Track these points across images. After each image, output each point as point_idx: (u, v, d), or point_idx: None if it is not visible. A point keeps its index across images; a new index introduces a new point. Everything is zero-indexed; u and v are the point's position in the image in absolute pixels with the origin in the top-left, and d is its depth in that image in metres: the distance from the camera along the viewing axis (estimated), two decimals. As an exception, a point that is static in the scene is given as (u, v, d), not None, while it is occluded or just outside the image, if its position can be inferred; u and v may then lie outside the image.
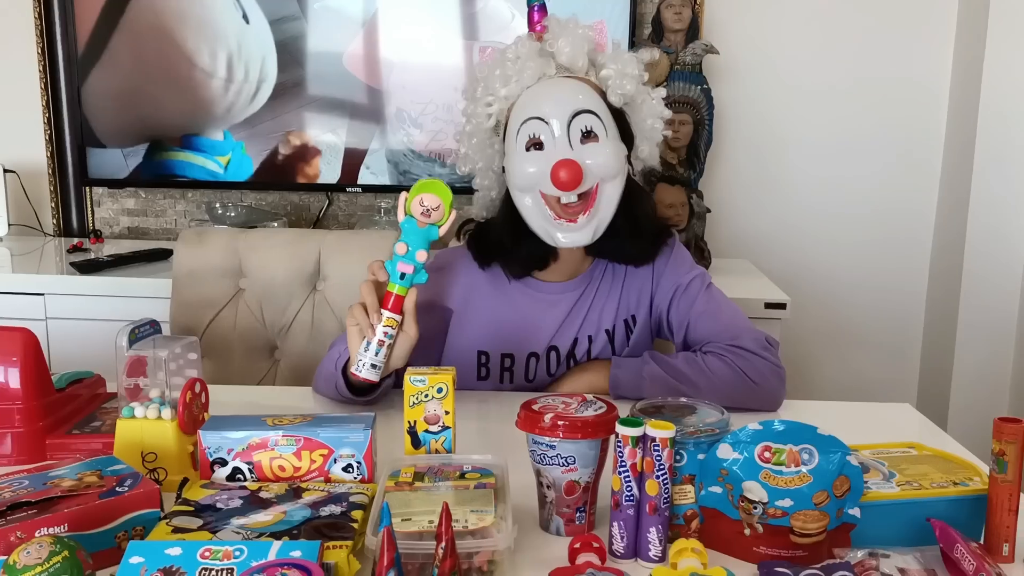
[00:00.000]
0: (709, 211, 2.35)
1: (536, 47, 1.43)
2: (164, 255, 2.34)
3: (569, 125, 1.36)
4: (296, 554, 0.83)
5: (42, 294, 2.15)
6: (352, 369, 1.27)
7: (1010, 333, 2.43)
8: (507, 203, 1.46)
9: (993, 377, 2.44)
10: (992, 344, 2.43)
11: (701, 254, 2.29)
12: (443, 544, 0.78)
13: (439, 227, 1.24)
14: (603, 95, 1.42)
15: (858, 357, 2.63)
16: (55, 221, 2.76)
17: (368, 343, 1.25)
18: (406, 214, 1.25)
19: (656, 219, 1.54)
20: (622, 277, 1.51)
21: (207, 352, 1.89)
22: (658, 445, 0.90)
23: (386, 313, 1.25)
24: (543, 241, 1.40)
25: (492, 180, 1.52)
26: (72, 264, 2.22)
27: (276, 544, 0.84)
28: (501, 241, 1.47)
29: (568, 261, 1.49)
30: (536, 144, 1.37)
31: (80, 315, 2.12)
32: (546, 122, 1.36)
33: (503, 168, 1.46)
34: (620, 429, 0.91)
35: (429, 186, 1.24)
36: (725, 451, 0.93)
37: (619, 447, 0.91)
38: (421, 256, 1.23)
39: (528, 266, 1.48)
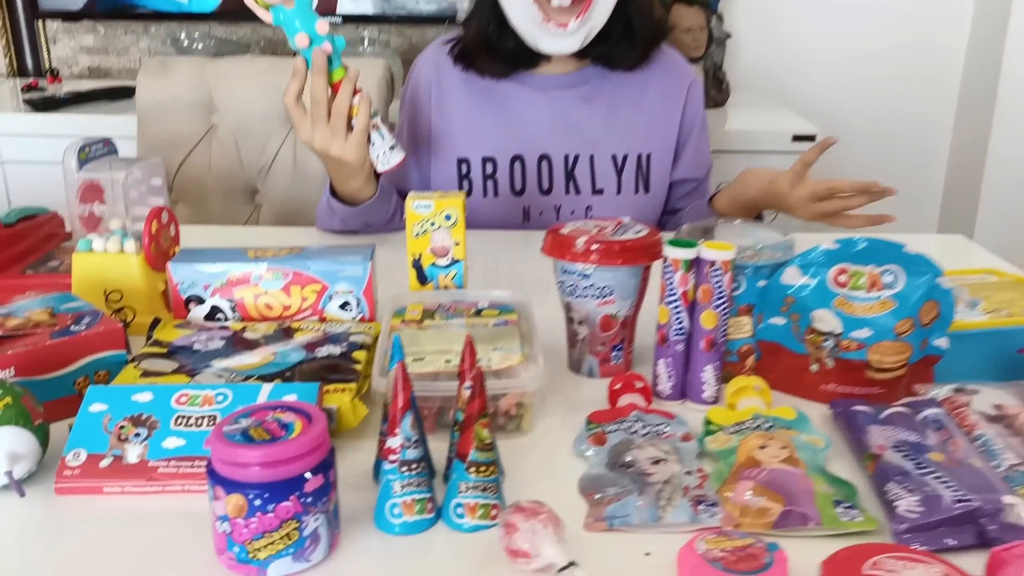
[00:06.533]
0: (729, 36, 2.13)
1: None
2: (127, 93, 2.10)
3: None
4: (291, 398, 0.70)
5: (-5, 135, 1.94)
6: (380, 170, 1.16)
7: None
8: None
9: (1019, 220, 2.31)
10: (1020, 183, 2.28)
11: (719, 86, 2.09)
12: (468, 383, 0.64)
13: None
14: None
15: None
16: (7, 60, 2.50)
17: (368, 138, 1.14)
18: (268, 9, 1.08)
19: (652, 20, 1.36)
20: (638, 104, 1.34)
21: (180, 196, 1.73)
22: (718, 269, 0.75)
23: (355, 102, 1.13)
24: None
25: None
26: (27, 102, 2.00)
27: (266, 387, 0.71)
28: (484, 35, 1.30)
29: (556, 63, 1.33)
30: None
31: (38, 158, 1.92)
32: None
33: None
34: (670, 251, 0.77)
35: None
36: (792, 276, 0.79)
37: (668, 273, 0.77)
38: (321, 28, 1.09)
39: (512, 66, 1.33)
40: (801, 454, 0.68)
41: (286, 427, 0.56)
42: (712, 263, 0.75)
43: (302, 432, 0.55)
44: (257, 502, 0.53)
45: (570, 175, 1.33)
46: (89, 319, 0.79)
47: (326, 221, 1.29)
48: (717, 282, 0.76)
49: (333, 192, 1.25)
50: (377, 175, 1.24)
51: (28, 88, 2.23)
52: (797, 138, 1.86)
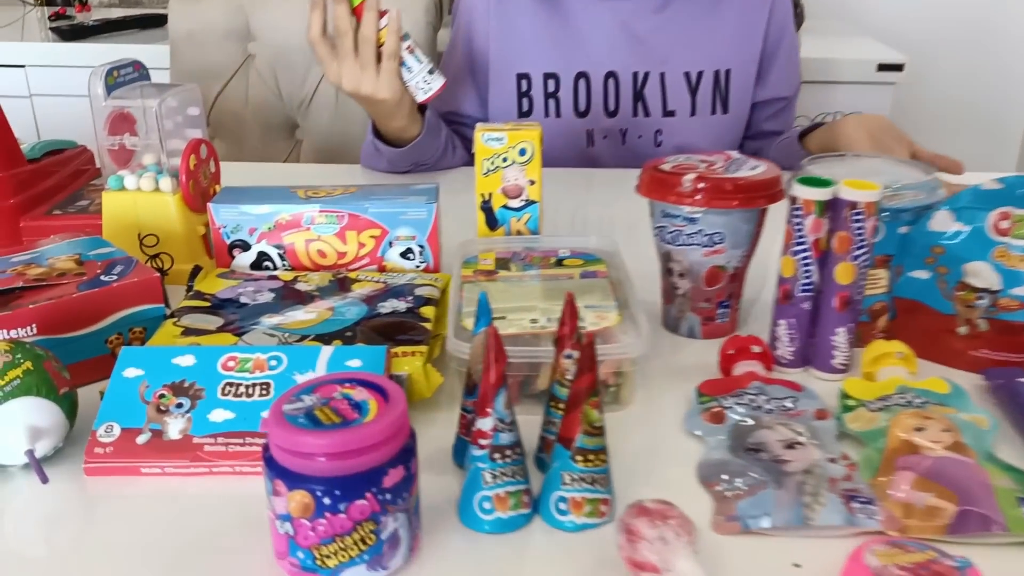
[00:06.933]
0: (806, -44, 1.94)
1: None
2: (159, 21, 2.00)
3: None
4: (355, 363, 0.59)
5: (23, 66, 1.84)
6: (420, 99, 1.08)
7: None
8: None
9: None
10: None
11: (793, 9, 1.91)
12: (570, 351, 0.54)
13: None
14: None
15: (960, 129, 2.30)
16: (34, -11, 2.39)
17: (404, 64, 1.05)
18: None
19: None
20: (715, 15, 1.21)
21: (216, 132, 1.62)
22: (860, 213, 0.63)
23: (381, 25, 1.03)
24: None
25: None
26: (54, 30, 1.90)
27: (326, 350, 0.60)
28: None
29: None
30: None
31: (67, 90, 1.82)
32: None
33: None
34: (801, 191, 0.64)
35: None
36: (942, 221, 0.66)
37: (797, 217, 0.65)
38: None
39: None
40: (966, 437, 0.56)
41: (358, 407, 0.46)
42: (853, 205, 0.63)
43: (379, 414, 0.45)
44: (327, 500, 0.43)
45: (638, 95, 1.21)
46: (122, 267, 0.69)
47: (372, 162, 1.19)
48: (859, 228, 0.63)
49: (377, 132, 1.15)
50: (421, 108, 1.13)
51: (56, 16, 2.12)
52: (883, 67, 1.69)
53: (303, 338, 0.64)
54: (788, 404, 0.61)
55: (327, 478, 0.43)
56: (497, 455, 0.49)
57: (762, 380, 0.64)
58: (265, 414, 0.55)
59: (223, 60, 1.61)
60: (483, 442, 0.49)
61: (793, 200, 0.65)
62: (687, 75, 1.21)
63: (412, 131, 1.13)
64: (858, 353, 0.67)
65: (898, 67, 1.69)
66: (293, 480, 0.44)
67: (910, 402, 0.60)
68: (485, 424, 0.49)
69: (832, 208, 0.64)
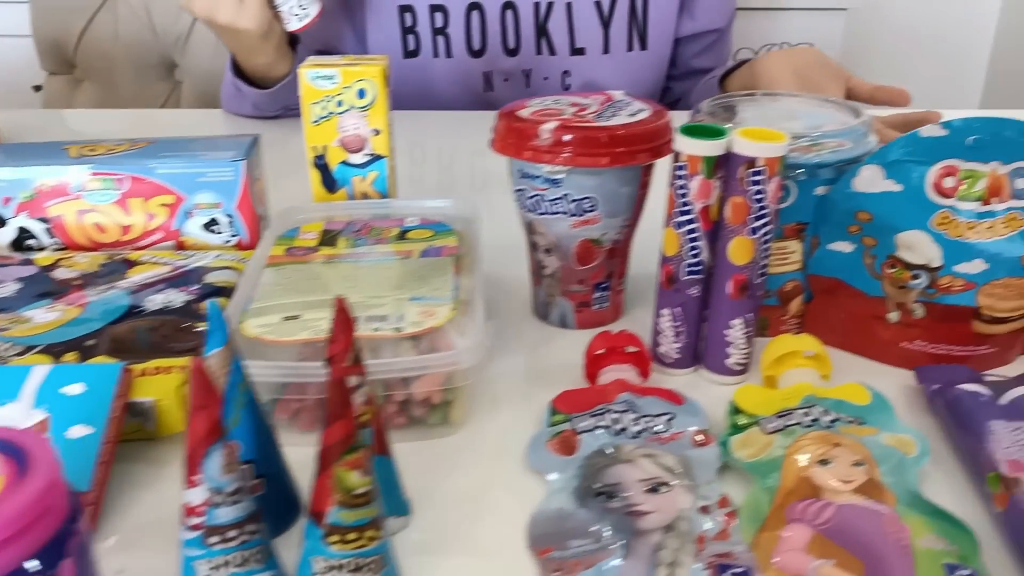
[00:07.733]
0: None
1: None
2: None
3: None
4: (75, 389, 0.44)
5: None
6: (292, 28, 0.90)
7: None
8: None
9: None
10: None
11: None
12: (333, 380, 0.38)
13: None
14: None
15: (922, 62, 2.14)
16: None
17: None
18: None
19: None
20: None
21: (84, 74, 1.42)
22: (760, 172, 0.48)
23: None
24: None
25: None
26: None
27: (38, 371, 0.45)
28: None
29: None
30: None
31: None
32: None
33: None
34: (684, 144, 0.49)
35: None
36: (869, 179, 0.51)
37: (680, 178, 0.50)
38: None
39: None
40: (884, 472, 0.43)
41: (-32, 491, 0.30)
42: (750, 163, 0.48)
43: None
44: (-102, 644, 0.28)
45: (542, 29, 1.05)
46: None
47: (234, 106, 1.02)
48: (758, 193, 0.48)
49: (238, 71, 0.97)
50: (292, 42, 0.96)
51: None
52: (835, -9, 1.52)
53: (28, 350, 0.48)
54: (660, 425, 0.47)
55: None
56: (215, 538, 0.35)
57: (635, 390, 0.49)
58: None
59: (87, -10, 1.41)
60: (193, 521, 0.34)
61: (676, 156, 0.50)
62: (598, 5, 1.04)
63: (280, 69, 0.96)
64: (761, 348, 0.53)
65: (850, -9, 1.52)
66: None
67: (816, 420, 0.46)
68: (194, 496, 0.34)
69: (725, 166, 0.49)
